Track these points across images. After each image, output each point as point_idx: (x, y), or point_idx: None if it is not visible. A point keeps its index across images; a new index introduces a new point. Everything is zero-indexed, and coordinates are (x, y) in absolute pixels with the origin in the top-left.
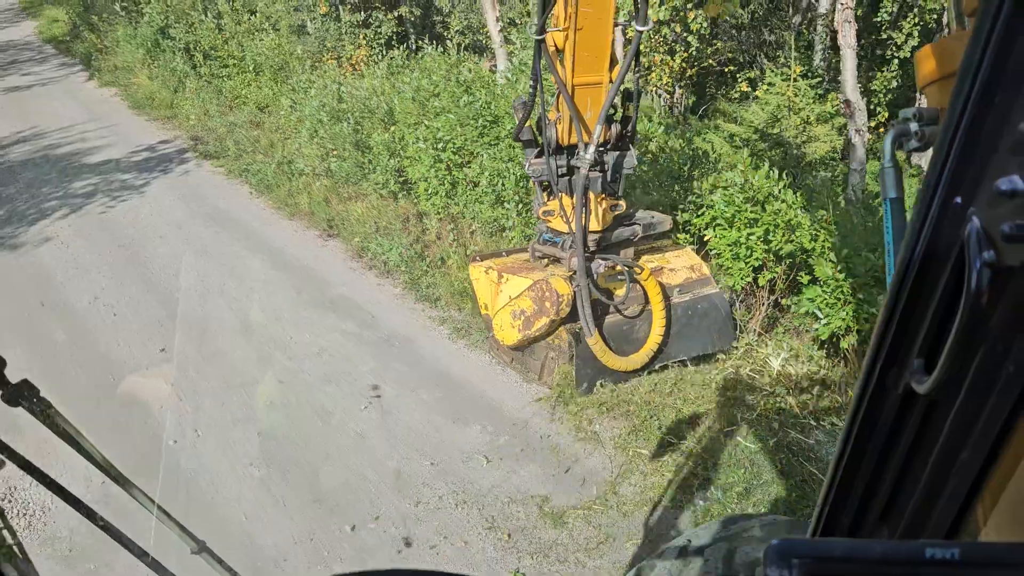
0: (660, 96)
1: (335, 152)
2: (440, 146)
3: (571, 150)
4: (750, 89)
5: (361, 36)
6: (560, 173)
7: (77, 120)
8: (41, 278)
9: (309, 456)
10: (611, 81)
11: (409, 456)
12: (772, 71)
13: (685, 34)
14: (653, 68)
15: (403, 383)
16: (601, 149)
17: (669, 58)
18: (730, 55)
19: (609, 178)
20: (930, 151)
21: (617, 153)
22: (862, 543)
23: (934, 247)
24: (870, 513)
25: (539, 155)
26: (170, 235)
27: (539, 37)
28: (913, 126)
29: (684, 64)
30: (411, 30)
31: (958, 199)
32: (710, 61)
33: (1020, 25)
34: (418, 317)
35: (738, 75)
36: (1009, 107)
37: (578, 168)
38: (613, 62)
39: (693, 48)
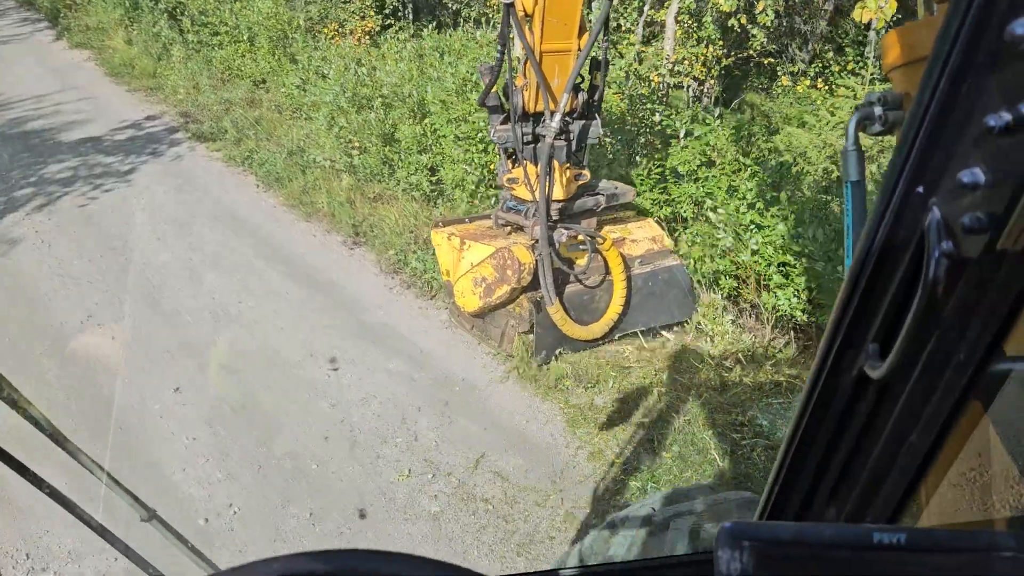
0: (688, 87)
1: (357, 144)
2: (483, 148)
3: (537, 118)
4: (791, 84)
5: (359, 2)
6: (525, 141)
7: (48, 88)
8: (21, 288)
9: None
10: (580, 49)
11: (496, 549)
12: (811, 67)
13: (751, 26)
14: (686, 57)
15: (473, 446)
16: (567, 119)
17: (703, 47)
18: (762, 46)
19: (574, 147)
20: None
21: (583, 122)
22: (811, 526)
23: (894, 235)
24: (819, 494)
25: (505, 122)
26: (169, 236)
27: (508, 1)
28: (877, 110)
29: (719, 53)
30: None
31: (920, 188)
32: (750, 51)
33: (992, 13)
34: (476, 354)
35: (777, 67)
36: (975, 97)
37: (543, 136)
38: (582, 30)
39: (758, 42)
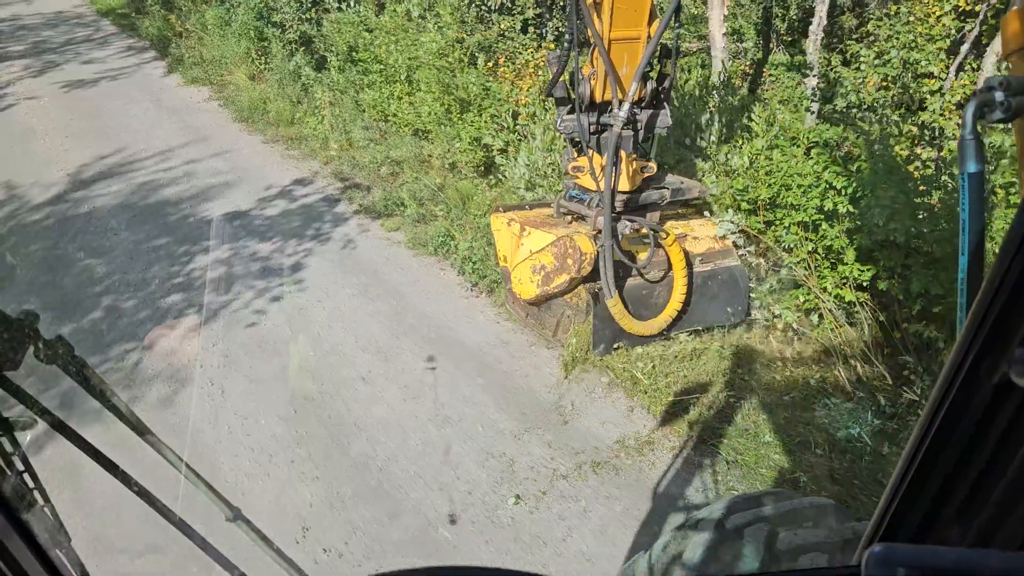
0: None
1: None
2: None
3: (604, 107)
4: None
5: (503, 24)
6: (592, 130)
7: (172, 139)
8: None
9: None
10: (649, 37)
11: None
12: None
13: None
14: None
15: None
16: (635, 108)
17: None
18: None
19: (641, 137)
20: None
21: (651, 112)
22: (975, 554)
23: None
24: (944, 512)
25: (571, 111)
26: (376, 374)
27: None
28: (998, 95)
29: None
30: (548, 16)
31: None
32: None
33: None
34: None
35: None
36: None
37: (611, 126)
38: (652, 17)
39: None
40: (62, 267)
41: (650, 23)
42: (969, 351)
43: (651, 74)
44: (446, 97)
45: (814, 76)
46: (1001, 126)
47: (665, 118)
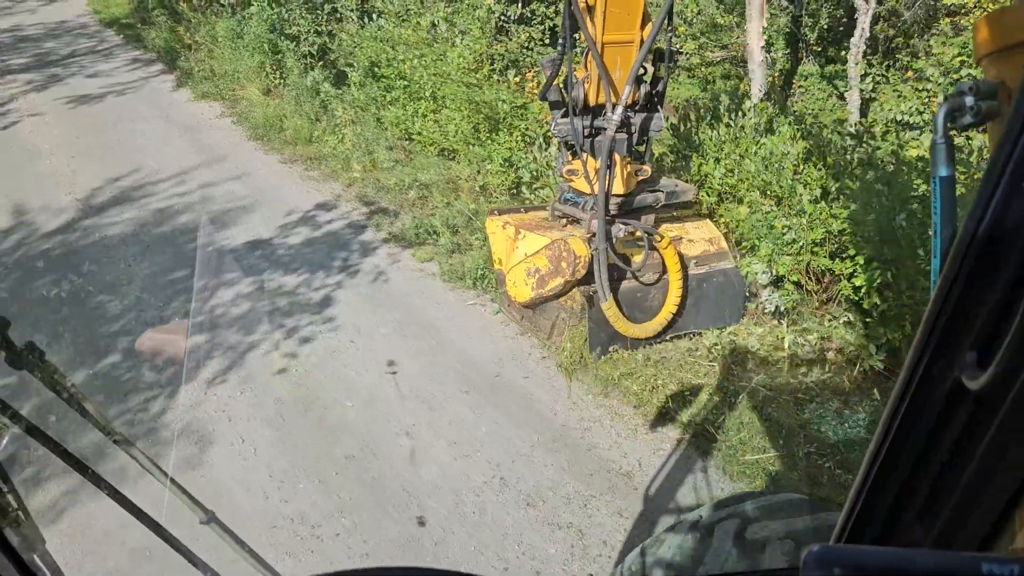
0: None
1: None
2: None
3: (598, 110)
4: None
5: (523, 36)
6: (586, 134)
7: (186, 159)
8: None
9: None
10: (643, 40)
11: None
12: None
13: None
14: None
15: None
16: (629, 111)
17: None
18: None
19: (635, 140)
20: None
21: (644, 115)
22: (911, 553)
23: (999, 228)
24: (905, 514)
25: (565, 115)
26: (420, 426)
27: None
28: (968, 100)
29: None
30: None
31: None
32: None
33: None
34: None
35: None
36: None
37: (604, 129)
38: (645, 20)
39: None
40: (73, 303)
41: (643, 27)
42: (923, 353)
43: (644, 77)
44: (474, 115)
45: (859, 90)
46: None
47: (659, 121)
